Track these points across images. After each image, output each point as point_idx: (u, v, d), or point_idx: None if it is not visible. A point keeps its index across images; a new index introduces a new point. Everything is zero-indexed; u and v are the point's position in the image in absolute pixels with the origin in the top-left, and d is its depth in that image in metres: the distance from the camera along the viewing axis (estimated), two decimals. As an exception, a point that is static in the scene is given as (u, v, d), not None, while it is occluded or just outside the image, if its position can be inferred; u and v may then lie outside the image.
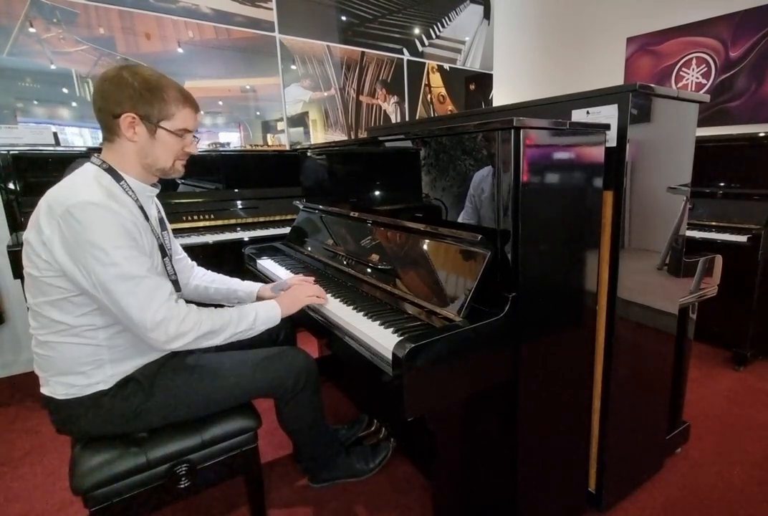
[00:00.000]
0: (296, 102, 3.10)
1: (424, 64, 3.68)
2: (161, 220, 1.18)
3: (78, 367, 0.98)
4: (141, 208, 1.04)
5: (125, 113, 0.96)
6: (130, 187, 1.02)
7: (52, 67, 2.27)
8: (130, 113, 0.96)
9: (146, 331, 0.93)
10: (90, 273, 0.89)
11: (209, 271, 1.43)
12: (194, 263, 1.41)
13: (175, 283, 1.12)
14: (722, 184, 2.28)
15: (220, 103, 2.81)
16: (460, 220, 1.08)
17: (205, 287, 1.37)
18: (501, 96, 4.19)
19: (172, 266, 1.15)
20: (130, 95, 0.96)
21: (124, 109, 0.96)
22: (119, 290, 0.90)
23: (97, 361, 0.99)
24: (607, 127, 1.02)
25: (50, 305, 0.95)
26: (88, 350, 0.98)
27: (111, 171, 1.00)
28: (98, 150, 1.06)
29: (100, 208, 0.90)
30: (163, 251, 1.10)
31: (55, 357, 0.98)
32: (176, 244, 1.32)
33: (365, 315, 1.13)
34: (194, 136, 1.08)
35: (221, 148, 2.73)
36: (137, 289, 0.92)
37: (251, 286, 1.41)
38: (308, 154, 1.89)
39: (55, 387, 1.00)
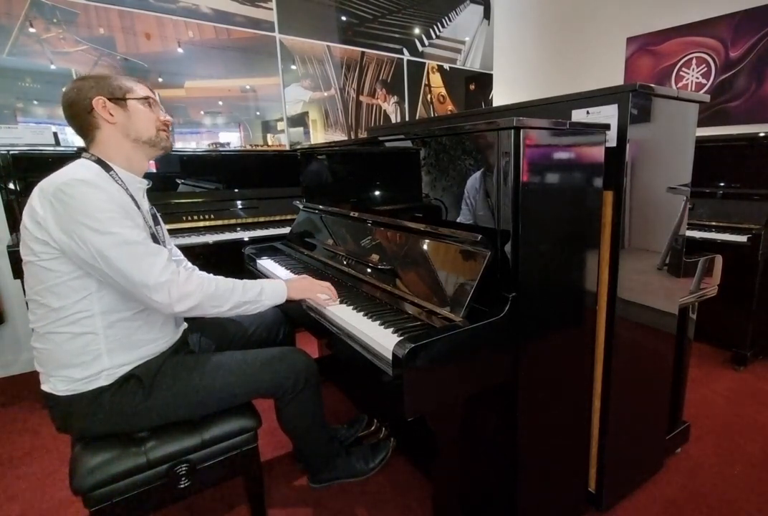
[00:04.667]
0: (296, 102, 3.10)
1: (424, 64, 3.68)
2: (154, 216, 1.20)
3: (76, 359, 0.99)
4: (132, 197, 1.06)
5: (95, 99, 1.01)
6: (119, 177, 1.05)
7: (52, 67, 2.27)
8: (99, 97, 1.01)
9: (150, 293, 0.95)
10: (86, 244, 0.91)
11: (211, 274, 1.43)
12: (195, 267, 1.42)
13: None
14: (722, 184, 2.28)
15: (220, 103, 2.81)
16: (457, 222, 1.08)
17: None
18: (501, 96, 4.19)
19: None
20: (90, 87, 1.02)
21: (92, 97, 1.01)
22: (117, 256, 0.92)
23: (94, 351, 1.00)
24: (607, 127, 1.02)
25: (48, 291, 0.96)
26: (85, 340, 0.99)
27: (100, 162, 1.03)
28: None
29: (89, 184, 0.93)
30: (156, 241, 1.11)
31: (54, 349, 0.99)
32: (173, 247, 1.34)
33: (365, 315, 1.13)
34: (160, 107, 1.13)
35: (221, 148, 2.73)
36: (135, 253, 0.94)
37: None
38: (308, 154, 1.89)
39: (55, 383, 1.00)
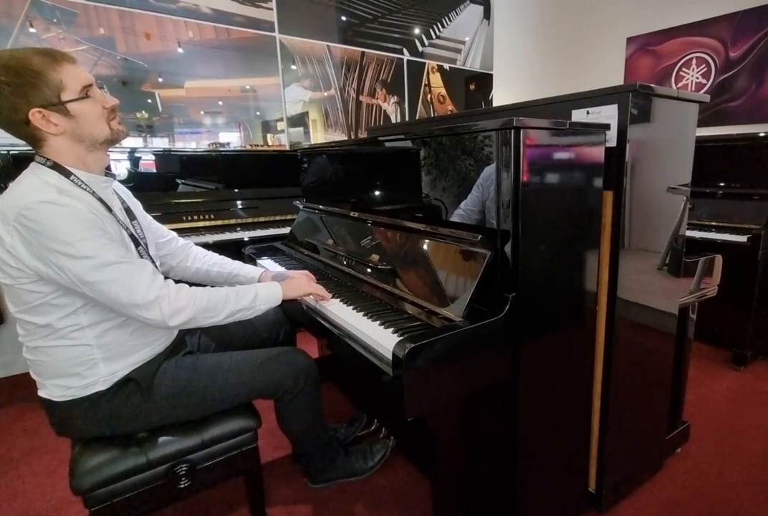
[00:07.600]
0: (296, 102, 3.10)
1: (424, 64, 3.68)
2: (128, 210, 1.12)
3: (72, 369, 0.97)
4: (100, 200, 0.99)
5: (30, 113, 0.87)
6: (81, 181, 0.96)
7: (52, 67, 2.27)
8: (34, 109, 0.87)
9: (141, 312, 0.93)
10: (64, 270, 0.87)
11: (209, 252, 1.41)
12: (189, 242, 1.38)
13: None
14: (722, 184, 2.28)
15: (220, 103, 2.81)
16: (462, 206, 1.06)
17: (206, 270, 1.36)
18: (501, 96, 4.19)
19: (149, 255, 1.11)
20: (12, 93, 0.86)
21: (25, 110, 0.87)
22: (100, 280, 0.88)
23: (90, 361, 0.98)
24: (607, 127, 1.02)
25: (32, 311, 0.93)
26: (79, 351, 0.97)
27: (57, 167, 0.94)
28: None
29: (52, 204, 0.85)
30: (136, 240, 1.07)
31: (48, 361, 0.97)
32: (159, 228, 1.29)
33: (365, 315, 1.13)
34: (99, 87, 0.98)
35: (221, 148, 2.73)
36: (117, 275, 0.90)
37: (253, 271, 1.40)
38: (308, 154, 1.89)
39: (51, 389, 0.99)
